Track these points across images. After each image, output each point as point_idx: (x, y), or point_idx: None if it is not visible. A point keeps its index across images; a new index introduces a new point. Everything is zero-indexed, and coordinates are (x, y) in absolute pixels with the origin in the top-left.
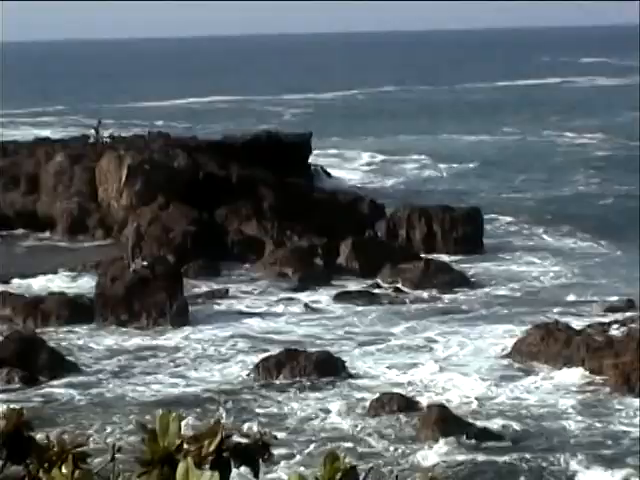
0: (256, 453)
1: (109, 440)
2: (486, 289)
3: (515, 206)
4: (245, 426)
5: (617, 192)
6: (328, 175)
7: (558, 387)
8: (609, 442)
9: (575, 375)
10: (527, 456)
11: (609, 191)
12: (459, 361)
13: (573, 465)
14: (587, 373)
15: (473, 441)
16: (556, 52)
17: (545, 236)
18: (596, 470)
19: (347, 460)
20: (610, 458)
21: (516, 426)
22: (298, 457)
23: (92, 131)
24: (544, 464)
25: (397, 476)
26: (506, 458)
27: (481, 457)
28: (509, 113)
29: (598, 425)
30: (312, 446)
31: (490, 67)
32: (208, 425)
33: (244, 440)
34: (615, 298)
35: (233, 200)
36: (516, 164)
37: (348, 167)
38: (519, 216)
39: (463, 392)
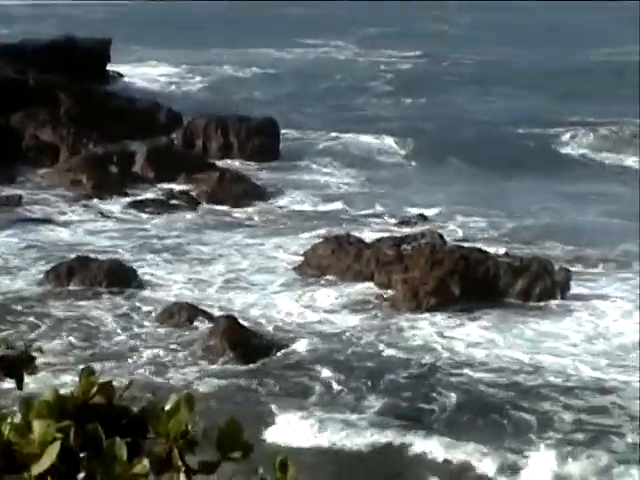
0: (21, 366)
1: None
2: (281, 200)
3: (312, 115)
4: (13, 338)
5: (414, 105)
6: (126, 81)
7: (345, 302)
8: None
9: (364, 289)
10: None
11: (407, 105)
12: (249, 274)
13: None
14: (376, 287)
15: (254, 357)
16: None
17: (335, 144)
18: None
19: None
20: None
21: (299, 343)
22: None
23: None
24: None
25: (130, 382)
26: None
27: (253, 374)
28: (319, 27)
29: (371, 340)
30: (88, 358)
31: None
32: None
33: (9, 352)
34: (408, 211)
35: (29, 105)
36: (317, 76)
37: (148, 75)
38: (315, 126)
39: (251, 305)
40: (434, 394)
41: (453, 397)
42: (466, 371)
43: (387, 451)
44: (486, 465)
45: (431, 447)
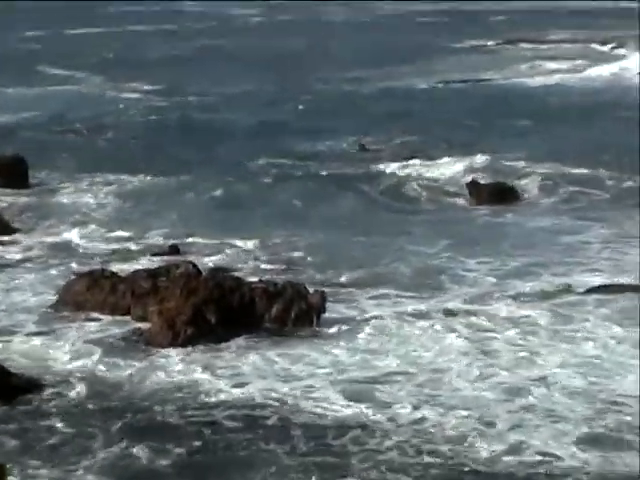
0: None
1: None
2: (34, 234)
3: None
4: None
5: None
6: None
7: (100, 339)
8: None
9: (120, 324)
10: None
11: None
12: (4, 314)
13: None
14: (133, 321)
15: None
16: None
17: (86, 178)
18: None
19: None
20: None
21: (49, 387)
22: None
23: None
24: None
25: None
26: None
27: None
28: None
29: (117, 381)
30: None
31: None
32: None
33: None
34: (161, 241)
35: None
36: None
37: None
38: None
39: (7, 346)
40: (154, 444)
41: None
42: (199, 412)
43: None
44: None
45: None
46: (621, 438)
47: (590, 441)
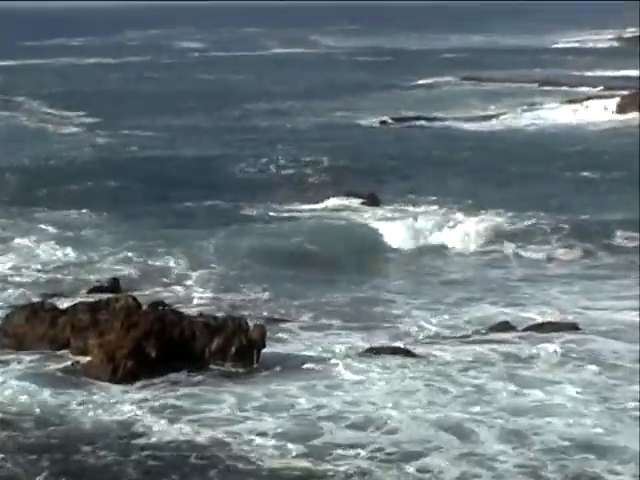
0: None
1: None
2: None
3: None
4: None
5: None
6: None
7: (37, 373)
8: None
9: (59, 358)
10: None
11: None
12: None
13: None
14: (72, 354)
15: None
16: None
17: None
18: None
19: None
20: None
21: None
22: None
23: None
24: None
25: None
26: None
27: None
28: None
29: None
30: None
31: None
32: None
33: None
34: (102, 275)
35: None
36: None
37: None
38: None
39: None
40: None
41: None
42: (128, 450)
43: None
44: None
45: None
46: None
47: None
